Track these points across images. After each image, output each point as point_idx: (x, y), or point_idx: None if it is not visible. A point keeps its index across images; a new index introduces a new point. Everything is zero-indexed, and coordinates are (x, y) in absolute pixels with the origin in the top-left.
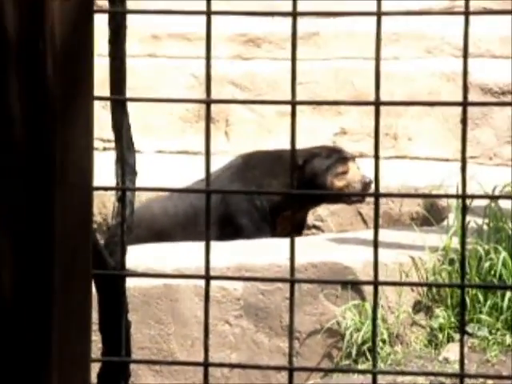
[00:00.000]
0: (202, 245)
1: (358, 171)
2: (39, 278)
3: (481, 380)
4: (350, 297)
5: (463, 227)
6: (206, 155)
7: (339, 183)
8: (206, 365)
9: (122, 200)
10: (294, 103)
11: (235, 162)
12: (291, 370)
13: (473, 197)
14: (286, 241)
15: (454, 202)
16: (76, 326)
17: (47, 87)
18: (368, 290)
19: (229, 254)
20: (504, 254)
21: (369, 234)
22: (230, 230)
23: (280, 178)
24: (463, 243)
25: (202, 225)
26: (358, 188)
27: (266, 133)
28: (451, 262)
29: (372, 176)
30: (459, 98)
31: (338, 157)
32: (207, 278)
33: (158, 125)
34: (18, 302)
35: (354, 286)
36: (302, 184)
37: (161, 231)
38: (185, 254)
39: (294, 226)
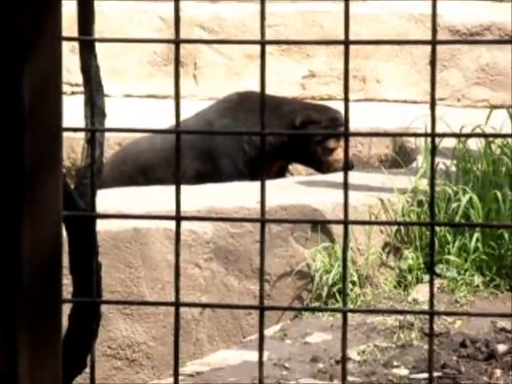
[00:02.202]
0: (171, 188)
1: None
2: (8, 221)
3: (449, 320)
4: (319, 239)
5: (432, 165)
6: (175, 95)
7: (325, 157)
8: (177, 304)
9: (91, 141)
10: (263, 43)
11: (230, 98)
12: (262, 310)
13: (442, 135)
14: (255, 184)
15: (422, 144)
16: (46, 268)
17: (14, 28)
18: (337, 232)
19: (199, 197)
20: (472, 195)
21: (337, 177)
22: (210, 166)
23: (273, 130)
24: (432, 180)
25: (185, 159)
26: (339, 168)
27: (235, 76)
28: (420, 203)
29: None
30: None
31: (334, 131)
32: (177, 218)
33: (126, 69)
34: None
35: (324, 228)
36: (293, 142)
37: (146, 166)
38: (155, 198)
39: (275, 173)
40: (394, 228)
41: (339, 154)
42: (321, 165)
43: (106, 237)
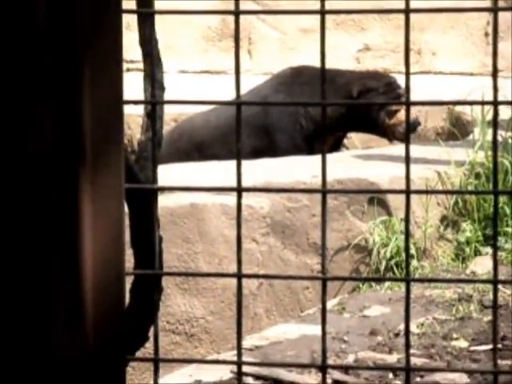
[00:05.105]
0: (228, 164)
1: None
2: (69, 193)
3: (508, 292)
4: (376, 213)
5: (495, 134)
6: (235, 67)
7: (390, 121)
8: (239, 276)
9: (151, 114)
10: (323, 12)
11: (284, 73)
12: (324, 280)
13: (504, 103)
14: (311, 158)
15: (478, 116)
16: (109, 242)
17: (78, 3)
18: (394, 205)
19: (254, 172)
20: None
21: (394, 150)
22: (266, 142)
23: (334, 101)
24: (495, 148)
25: (242, 136)
26: (403, 129)
27: (289, 50)
28: (477, 175)
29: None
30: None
31: (393, 94)
32: (239, 190)
33: (180, 45)
34: (46, 219)
35: (381, 201)
36: (353, 113)
37: (201, 143)
38: (211, 173)
39: (330, 146)
40: (452, 201)
41: (403, 115)
42: (384, 129)
43: (164, 212)
